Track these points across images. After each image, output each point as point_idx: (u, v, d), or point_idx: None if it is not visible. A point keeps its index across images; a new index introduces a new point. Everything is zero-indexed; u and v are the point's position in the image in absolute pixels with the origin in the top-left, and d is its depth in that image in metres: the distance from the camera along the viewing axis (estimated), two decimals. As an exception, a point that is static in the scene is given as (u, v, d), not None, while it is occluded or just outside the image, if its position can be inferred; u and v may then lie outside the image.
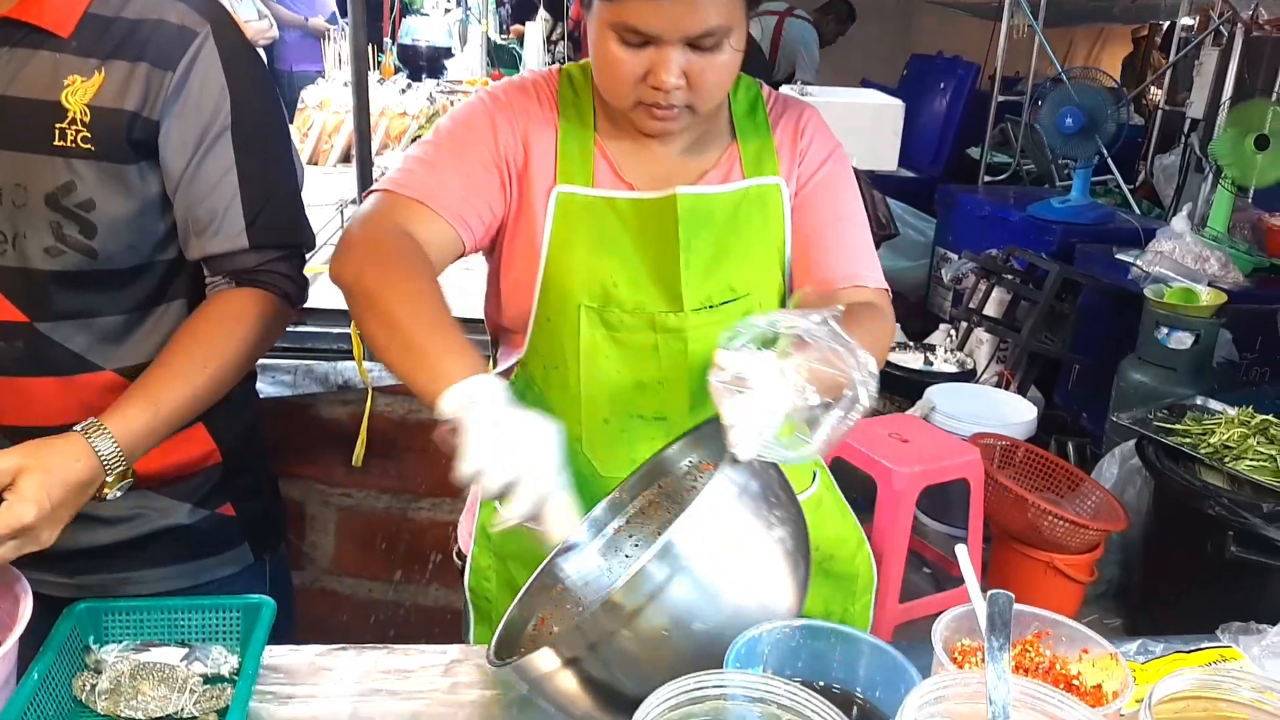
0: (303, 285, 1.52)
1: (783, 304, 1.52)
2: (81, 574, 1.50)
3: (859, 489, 3.16)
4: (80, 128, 1.33)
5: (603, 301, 1.41)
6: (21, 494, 1.18)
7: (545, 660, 1.02)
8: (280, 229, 1.47)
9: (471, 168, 1.40)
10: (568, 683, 1.04)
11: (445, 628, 2.54)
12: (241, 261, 1.44)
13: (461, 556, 1.65)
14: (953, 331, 4.07)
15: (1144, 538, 3.09)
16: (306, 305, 1.87)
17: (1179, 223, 3.83)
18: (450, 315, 1.26)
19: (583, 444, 1.48)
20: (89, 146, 1.33)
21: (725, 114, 1.49)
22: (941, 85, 5.52)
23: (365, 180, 2.75)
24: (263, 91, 1.48)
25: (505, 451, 1.09)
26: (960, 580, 3.22)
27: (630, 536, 1.37)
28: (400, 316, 1.22)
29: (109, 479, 1.28)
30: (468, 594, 1.62)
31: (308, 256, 1.58)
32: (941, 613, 1.10)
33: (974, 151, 5.38)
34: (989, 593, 0.91)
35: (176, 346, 1.41)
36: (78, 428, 1.28)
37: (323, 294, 2.71)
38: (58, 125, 1.32)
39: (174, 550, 1.56)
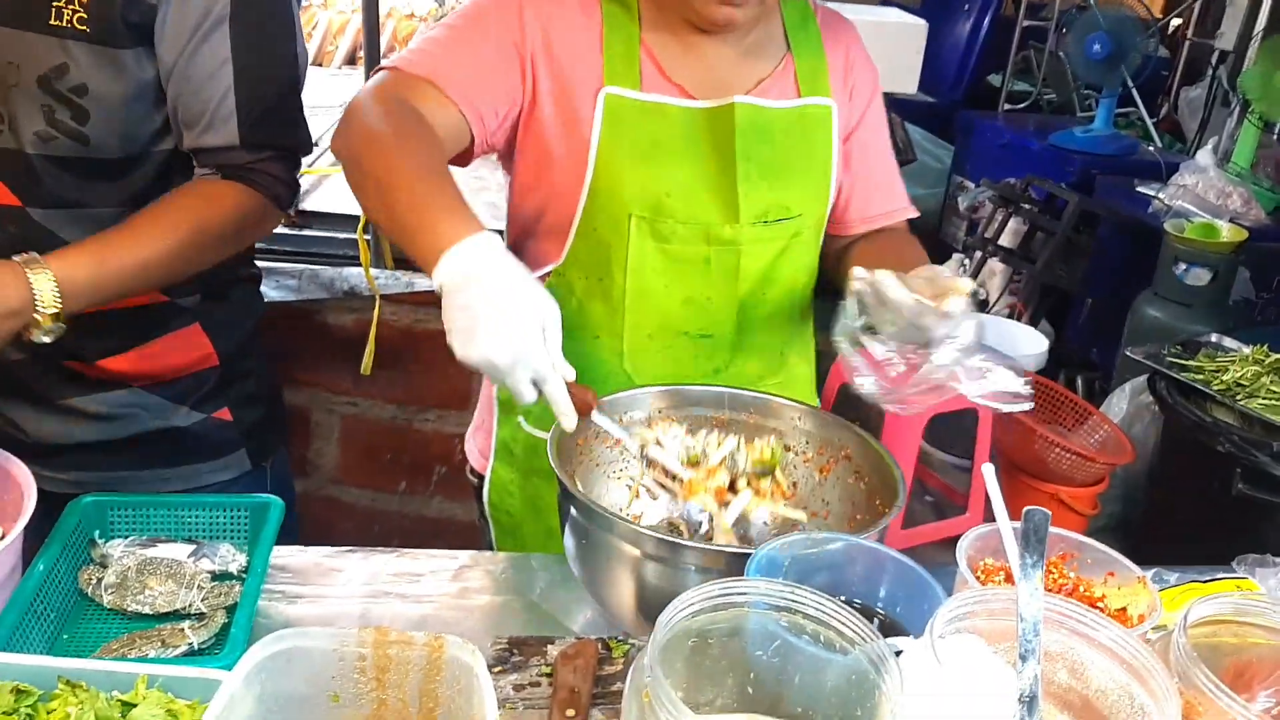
0: (293, 188, 1.47)
1: (822, 229, 1.52)
2: (78, 469, 1.49)
3: (866, 416, 3.15)
4: (77, 7, 1.27)
5: (655, 212, 1.36)
6: None
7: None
8: (275, 129, 1.41)
9: (489, 55, 1.33)
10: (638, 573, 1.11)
11: (448, 540, 2.53)
12: (232, 157, 1.39)
13: (476, 474, 1.62)
14: (966, 261, 4.02)
15: (1149, 473, 3.09)
16: (311, 209, 1.82)
17: (1203, 156, 3.75)
18: (451, 178, 1.19)
19: (624, 359, 1.44)
20: (84, 28, 1.28)
21: (778, 21, 1.45)
22: (966, 7, 5.36)
23: (374, 82, 2.66)
24: None
25: (499, 337, 1.05)
26: (962, 509, 3.21)
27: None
28: (398, 177, 1.16)
29: (38, 317, 1.24)
30: (487, 509, 1.58)
31: (308, 160, 1.54)
32: (959, 536, 1.09)
33: (995, 79, 5.25)
34: (1025, 509, 0.88)
35: (143, 213, 1.36)
36: (17, 258, 1.24)
37: (328, 198, 2.67)
38: (54, 4, 1.26)
39: (169, 452, 1.54)
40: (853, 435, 1.34)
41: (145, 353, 1.47)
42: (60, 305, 1.25)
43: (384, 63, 1.35)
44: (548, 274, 1.45)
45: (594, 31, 1.35)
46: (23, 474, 1.24)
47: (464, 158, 1.37)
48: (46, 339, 1.27)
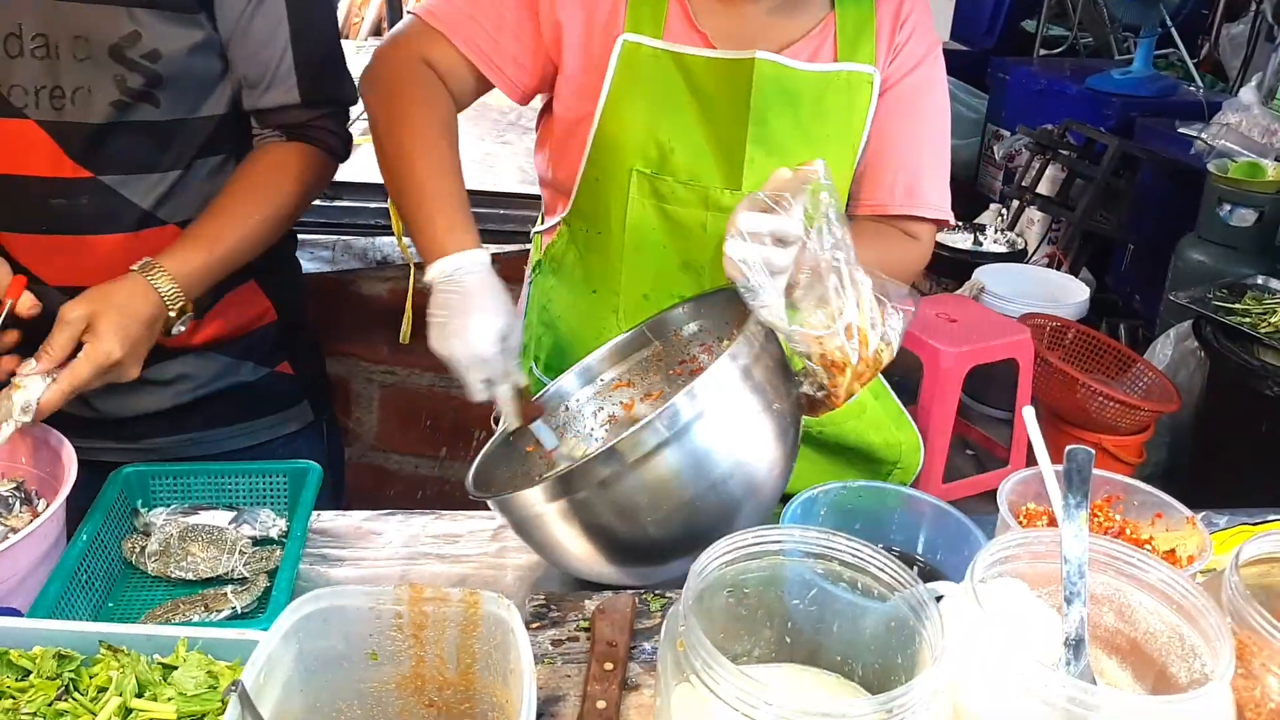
0: (346, 140, 1.53)
1: (846, 204, 1.42)
2: (146, 438, 1.52)
3: (906, 369, 3.12)
4: None
5: (656, 168, 1.33)
6: (101, 335, 1.22)
7: (532, 499, 1.08)
8: (329, 85, 1.47)
9: (508, 12, 1.32)
10: (552, 524, 1.09)
11: (488, 503, 2.56)
12: (292, 116, 1.45)
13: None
14: (1003, 211, 3.94)
15: (1196, 419, 3.03)
16: (342, 180, 1.84)
17: (1247, 94, 3.63)
18: (457, 177, 1.29)
19: (618, 316, 1.43)
20: None
21: None
22: (997, -49, 5.23)
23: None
24: None
25: (464, 338, 1.17)
26: (1004, 462, 3.18)
27: (627, 388, 1.36)
28: (411, 170, 1.26)
29: (171, 314, 1.31)
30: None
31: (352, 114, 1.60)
32: (1003, 480, 1.06)
33: (1029, 24, 5.12)
34: (1068, 448, 0.86)
35: (230, 192, 1.41)
36: (134, 268, 1.30)
37: (358, 168, 2.66)
38: None
39: (238, 409, 1.58)
40: (734, 299, 1.23)
41: (210, 314, 1.50)
42: (184, 299, 1.32)
43: (412, 6, 1.42)
44: (556, 225, 1.45)
45: None
46: (64, 447, 1.25)
47: (517, 96, 1.39)
48: (182, 328, 1.35)
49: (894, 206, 1.40)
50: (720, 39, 1.32)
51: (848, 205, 1.44)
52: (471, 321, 1.17)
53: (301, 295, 1.71)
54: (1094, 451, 0.86)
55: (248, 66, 1.41)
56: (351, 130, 1.56)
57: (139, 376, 1.46)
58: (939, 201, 1.41)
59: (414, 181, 1.26)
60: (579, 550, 1.11)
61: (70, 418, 1.29)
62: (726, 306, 1.28)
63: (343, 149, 1.53)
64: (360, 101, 1.39)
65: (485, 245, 1.27)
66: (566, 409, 1.35)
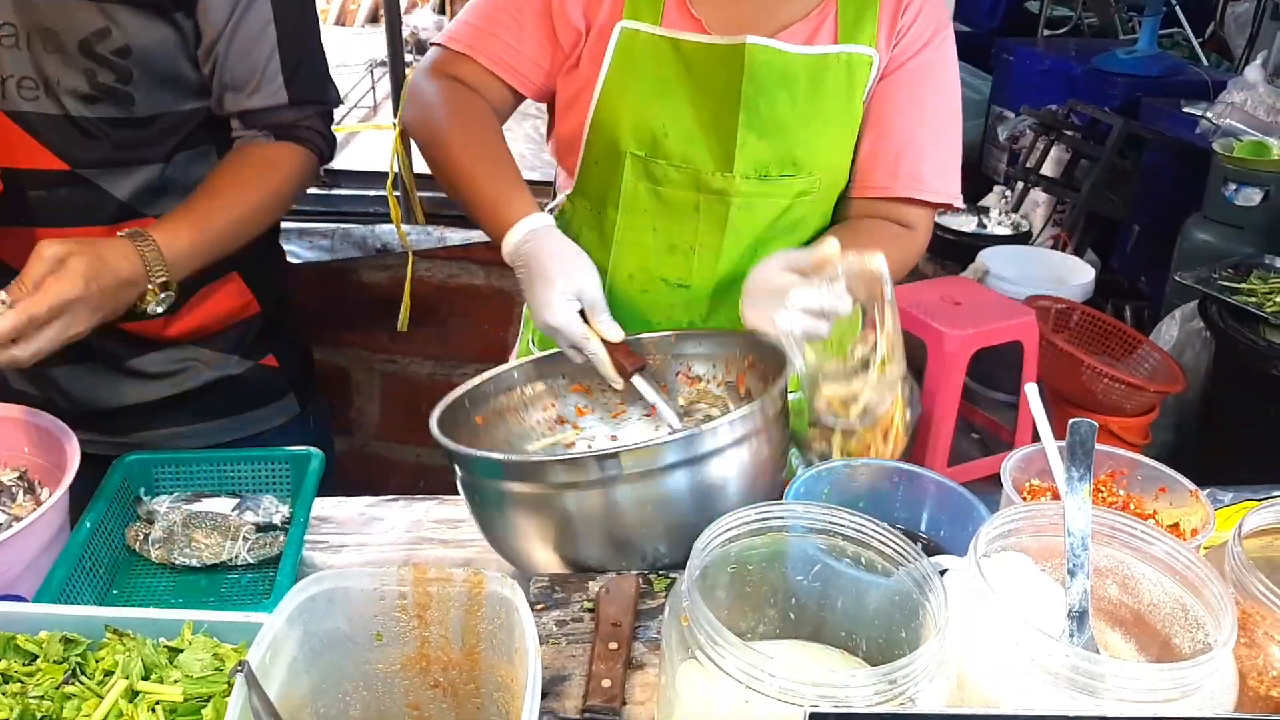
0: (332, 142, 1.54)
1: (846, 185, 1.42)
2: (133, 431, 1.52)
3: (909, 352, 3.11)
4: None
5: (650, 151, 1.35)
6: (69, 271, 1.16)
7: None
8: (315, 86, 1.48)
9: (525, 18, 1.36)
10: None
11: (493, 491, 2.56)
12: (280, 116, 1.45)
13: None
14: (1008, 193, 3.92)
15: (1201, 400, 3.02)
16: (340, 168, 1.86)
17: (1252, 72, 3.60)
18: (504, 152, 1.34)
19: (605, 292, 1.42)
20: None
21: None
22: (1000, -69, 5.20)
23: (395, 39, 2.64)
24: None
25: (540, 309, 1.19)
26: (1009, 445, 3.17)
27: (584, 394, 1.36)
28: (458, 164, 1.33)
29: (151, 287, 1.27)
30: None
31: (335, 117, 1.60)
32: (1006, 457, 1.06)
33: (1033, 5, 5.10)
34: (1070, 421, 0.86)
35: (218, 180, 1.41)
36: (122, 233, 1.27)
37: (356, 156, 2.68)
38: None
39: (223, 402, 1.58)
40: (750, 342, 1.26)
41: (191, 306, 1.49)
42: (167, 274, 1.28)
43: (434, 38, 1.43)
44: (561, 202, 1.48)
45: None
46: (67, 436, 1.25)
47: (543, 97, 1.45)
48: (160, 309, 1.31)
49: (896, 190, 1.38)
50: (716, 25, 1.32)
51: (848, 188, 1.43)
52: (537, 292, 1.20)
53: (286, 289, 1.70)
54: (1096, 425, 0.85)
55: (235, 68, 1.39)
56: (335, 133, 1.57)
57: (126, 366, 1.47)
58: (943, 185, 1.39)
59: (466, 177, 1.31)
60: (528, 542, 1.13)
61: (61, 412, 1.29)
62: (725, 345, 1.33)
63: (328, 149, 1.53)
64: (404, 127, 1.44)
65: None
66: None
